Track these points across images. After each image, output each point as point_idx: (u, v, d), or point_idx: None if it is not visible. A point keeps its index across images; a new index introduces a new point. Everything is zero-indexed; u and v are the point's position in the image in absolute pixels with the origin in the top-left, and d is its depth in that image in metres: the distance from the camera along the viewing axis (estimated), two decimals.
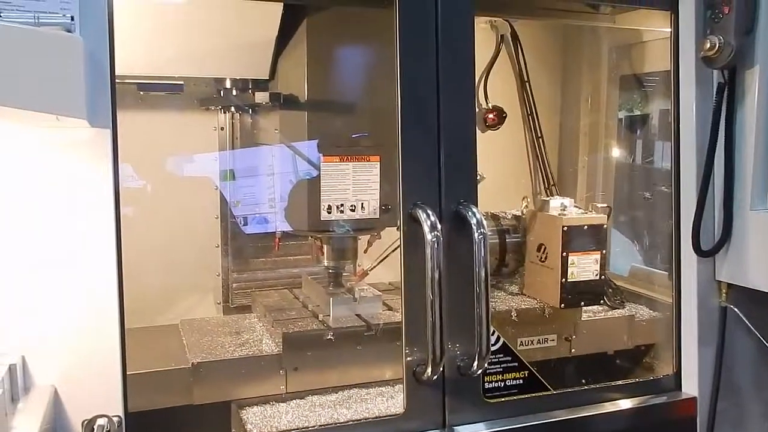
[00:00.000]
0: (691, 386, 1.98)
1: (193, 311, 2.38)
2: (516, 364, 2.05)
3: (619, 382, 2.00)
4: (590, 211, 2.30)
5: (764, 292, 1.81)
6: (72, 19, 1.14)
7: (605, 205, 2.35)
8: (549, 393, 1.98)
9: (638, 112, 2.73)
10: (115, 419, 1.26)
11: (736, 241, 1.87)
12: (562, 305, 2.19)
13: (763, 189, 1.79)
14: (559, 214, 2.22)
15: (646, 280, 2.52)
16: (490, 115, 2.76)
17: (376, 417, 1.76)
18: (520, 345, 2.20)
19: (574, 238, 2.17)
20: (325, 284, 2.25)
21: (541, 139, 2.85)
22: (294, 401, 1.94)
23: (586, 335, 2.29)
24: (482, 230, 1.66)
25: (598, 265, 2.20)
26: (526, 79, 2.83)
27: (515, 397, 1.91)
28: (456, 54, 1.72)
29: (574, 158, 2.91)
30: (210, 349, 1.99)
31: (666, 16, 1.98)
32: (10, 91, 1.06)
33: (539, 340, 2.25)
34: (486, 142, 2.65)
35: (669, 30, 1.98)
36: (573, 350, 2.28)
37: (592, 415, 1.87)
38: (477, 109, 2.68)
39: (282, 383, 1.94)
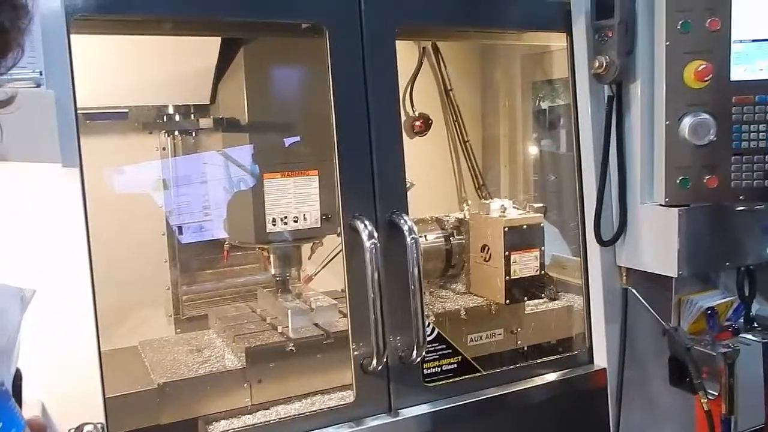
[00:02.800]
0: (601, 359, 2.20)
1: (146, 325, 2.43)
2: (450, 350, 2.23)
3: (541, 360, 2.22)
4: (528, 211, 2.41)
5: (655, 273, 2.07)
6: (41, 73, 1.22)
7: (541, 204, 2.49)
8: (480, 374, 2.19)
9: (561, 102, 2.84)
10: (99, 426, 1.38)
11: (631, 231, 2.10)
12: (507, 301, 2.31)
13: (649, 185, 2.04)
14: (500, 216, 2.34)
15: (565, 267, 2.68)
16: (417, 123, 2.89)
17: (330, 407, 1.91)
18: (470, 341, 2.31)
19: (515, 238, 2.28)
20: (274, 291, 2.35)
21: (468, 143, 3.01)
22: (260, 412, 1.98)
23: (530, 327, 2.43)
24: (413, 235, 1.85)
25: (538, 261, 2.33)
26: (449, 87, 2.98)
27: (451, 380, 2.09)
28: (381, 79, 1.89)
29: (497, 159, 3.10)
30: (173, 369, 2.00)
31: (564, 36, 2.22)
32: None
33: (488, 335, 2.37)
34: (414, 149, 2.82)
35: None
36: (519, 342, 2.41)
37: (518, 390, 2.08)
38: (404, 117, 2.86)
39: (247, 396, 1.99)
